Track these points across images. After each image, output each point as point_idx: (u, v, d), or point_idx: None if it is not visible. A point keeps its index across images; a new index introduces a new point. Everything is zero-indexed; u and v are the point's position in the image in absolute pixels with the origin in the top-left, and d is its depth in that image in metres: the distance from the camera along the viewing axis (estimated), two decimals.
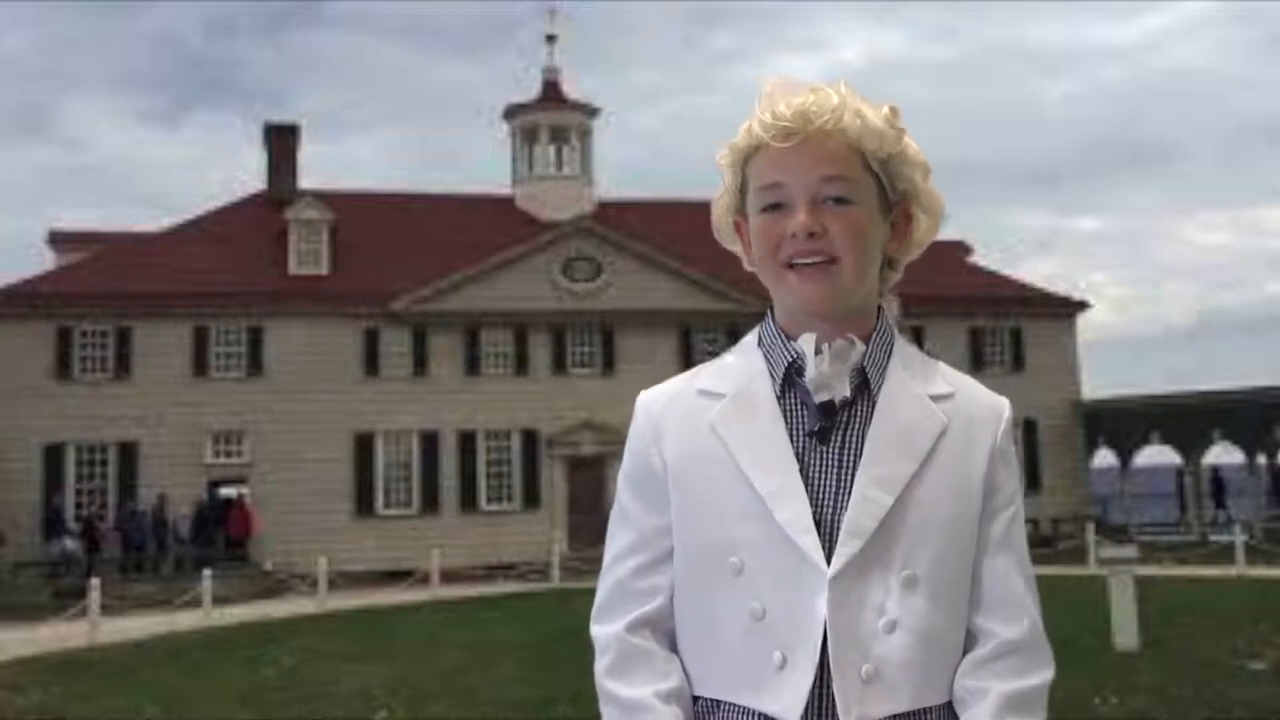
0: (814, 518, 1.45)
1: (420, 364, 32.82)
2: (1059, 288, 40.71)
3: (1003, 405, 1.60)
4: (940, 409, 1.52)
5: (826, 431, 1.49)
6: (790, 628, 1.43)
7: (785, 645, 1.43)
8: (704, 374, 1.59)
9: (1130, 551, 13.27)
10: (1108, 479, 38.20)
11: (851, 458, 1.48)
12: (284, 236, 33.91)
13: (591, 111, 39.10)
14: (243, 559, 29.84)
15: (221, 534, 30.25)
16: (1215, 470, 37.27)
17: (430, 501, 32.26)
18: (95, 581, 19.20)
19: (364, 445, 32.28)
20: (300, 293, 32.68)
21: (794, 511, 1.45)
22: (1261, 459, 34.70)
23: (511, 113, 39.72)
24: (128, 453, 30.79)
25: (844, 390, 1.50)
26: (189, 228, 35.08)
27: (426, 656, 13.88)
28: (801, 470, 1.47)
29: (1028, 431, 36.31)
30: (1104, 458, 37.40)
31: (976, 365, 36.47)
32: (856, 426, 1.50)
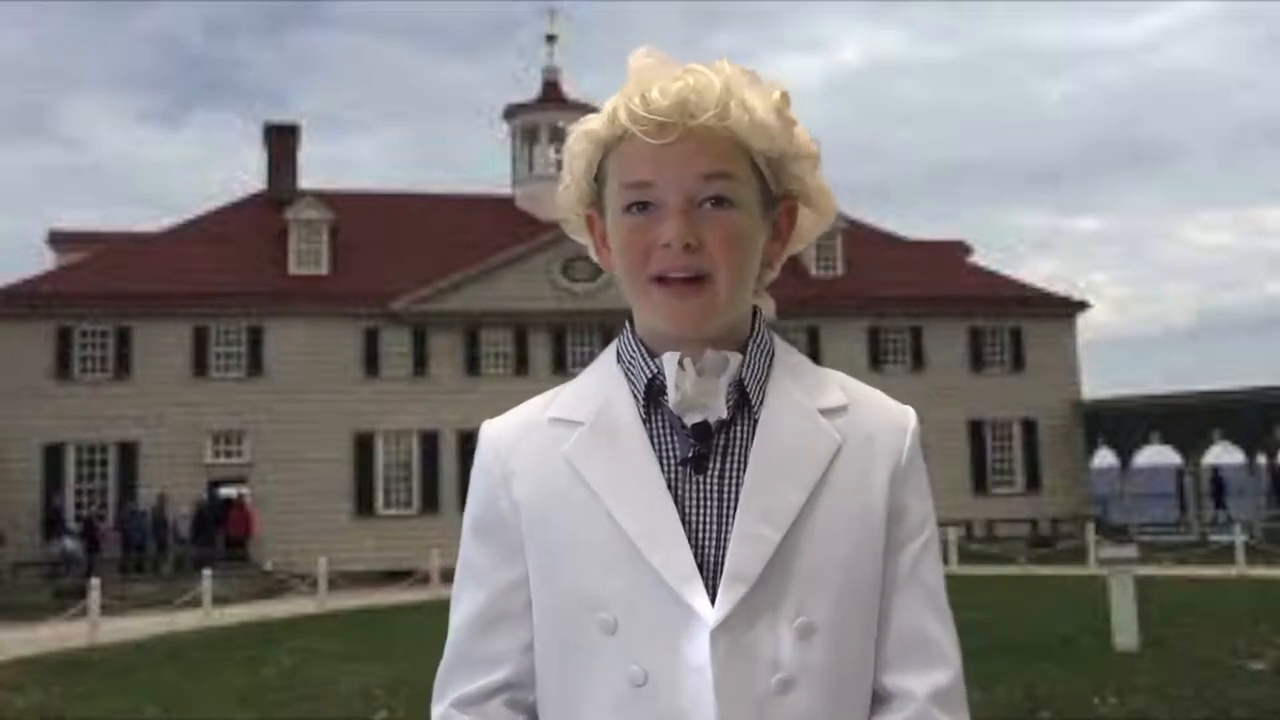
0: (695, 561, 1.23)
1: (420, 364, 32.83)
2: (1059, 288, 40.73)
3: (907, 417, 1.35)
4: (833, 425, 1.30)
5: (702, 459, 1.27)
6: (679, 693, 1.20)
7: (671, 714, 1.20)
8: (559, 399, 1.36)
9: (1130, 551, 13.27)
10: (1108, 479, 38.20)
11: (733, 488, 1.26)
12: (284, 236, 33.92)
13: (591, 111, 38.95)
14: (243, 559, 29.85)
15: (221, 534, 30.27)
16: (1215, 470, 37.26)
17: (430, 501, 32.27)
18: (95, 581, 19.21)
19: (364, 445, 32.28)
20: (300, 293, 32.69)
21: (672, 555, 1.23)
22: (1261, 459, 34.69)
23: (511, 113, 39.77)
24: (128, 453, 30.80)
25: (720, 409, 1.28)
26: (189, 228, 35.10)
27: (426, 656, 13.84)
28: (677, 506, 1.25)
29: (1028, 431, 36.34)
30: (1104, 458, 37.42)
31: (976, 365, 36.51)
32: (737, 451, 1.28)
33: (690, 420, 1.28)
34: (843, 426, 1.30)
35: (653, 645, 1.22)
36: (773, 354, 1.34)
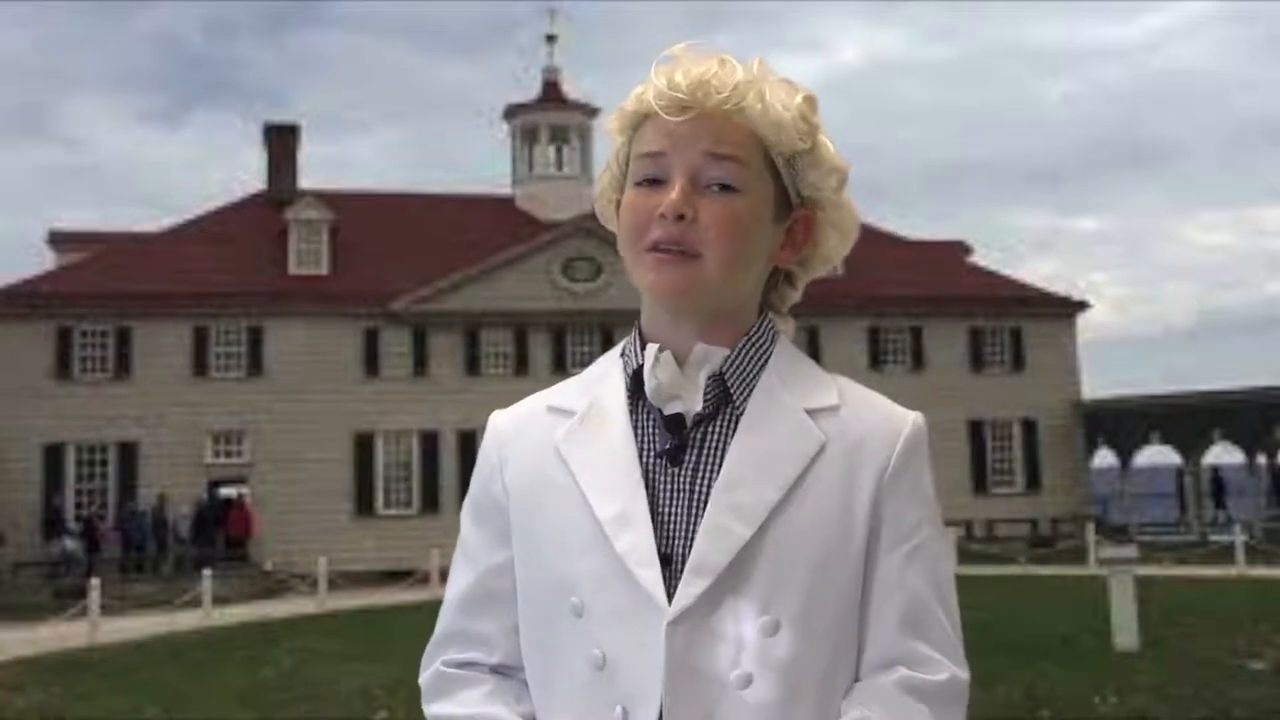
0: (662, 550, 1.24)
1: (420, 364, 32.82)
2: (1059, 288, 40.72)
3: (903, 422, 1.31)
4: (819, 425, 1.28)
5: (678, 451, 1.28)
6: (632, 678, 1.22)
7: (626, 699, 1.21)
8: (561, 389, 1.40)
9: (1130, 551, 13.27)
10: (1108, 479, 38.19)
11: (706, 481, 1.27)
12: (284, 236, 33.91)
13: (591, 111, 39.11)
14: (243, 559, 29.84)
15: (221, 534, 30.25)
16: (1215, 470, 37.24)
17: (430, 501, 32.26)
18: (95, 581, 19.19)
19: (364, 445, 32.27)
20: (300, 293, 32.69)
21: (634, 540, 1.24)
22: (1261, 459, 34.67)
23: (511, 113, 39.76)
24: (128, 453, 30.79)
25: (695, 402, 1.29)
26: (189, 228, 35.09)
27: None
28: (650, 495, 1.27)
29: (1028, 431, 36.33)
30: (1104, 458, 37.40)
31: (976, 365, 36.51)
32: (714, 445, 1.28)
33: (667, 411, 1.30)
34: (829, 427, 1.29)
35: (612, 629, 1.23)
36: (769, 356, 1.33)
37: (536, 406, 1.39)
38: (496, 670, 1.35)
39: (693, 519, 1.26)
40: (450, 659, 1.36)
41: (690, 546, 1.24)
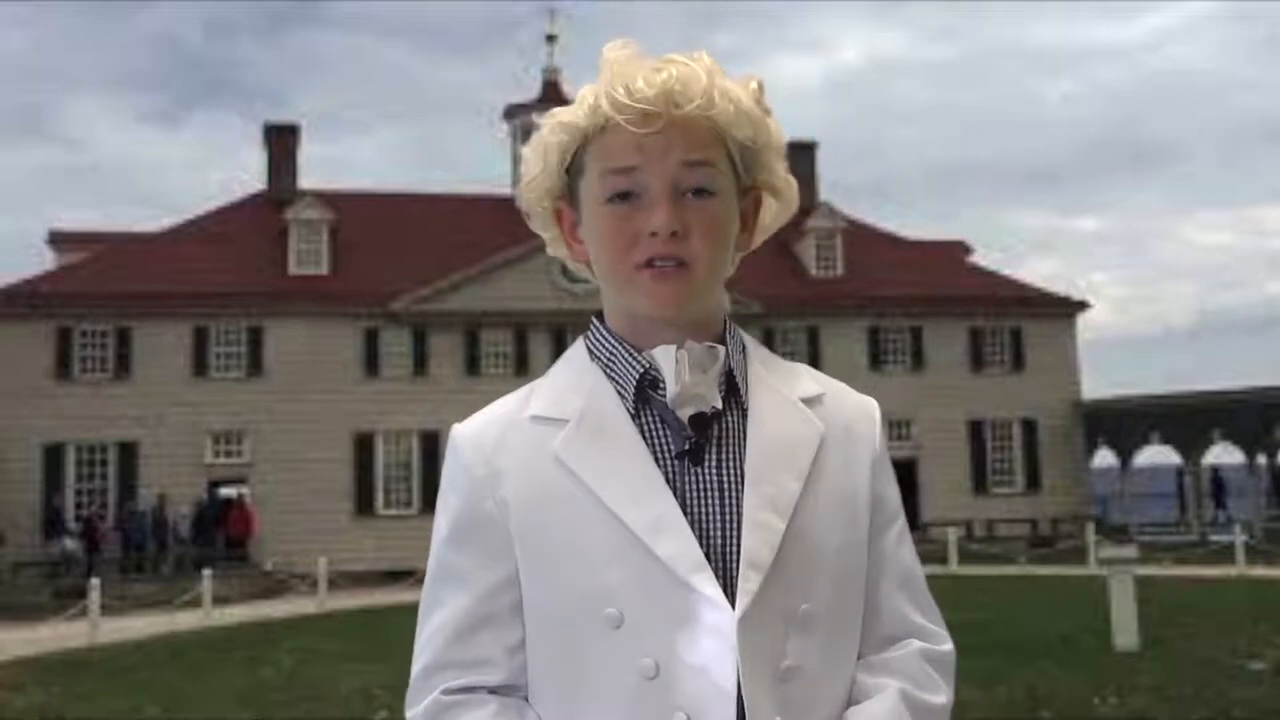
0: (703, 551, 1.23)
1: (420, 364, 32.83)
2: (1059, 288, 40.75)
3: (873, 406, 1.40)
4: (814, 415, 1.33)
5: (699, 450, 1.28)
6: (693, 684, 1.20)
7: (688, 705, 1.19)
8: (536, 398, 1.33)
9: (1130, 551, 13.27)
10: (1108, 479, 38.20)
11: (732, 477, 1.27)
12: (284, 236, 33.92)
13: None
14: (243, 559, 29.85)
15: (221, 534, 30.27)
16: (1215, 470, 37.26)
17: (430, 501, 31.93)
18: (95, 581, 19.18)
19: (364, 445, 32.28)
20: (300, 293, 32.70)
21: (679, 545, 1.22)
22: (1261, 459, 34.69)
23: (511, 113, 39.78)
24: (128, 453, 30.80)
25: (715, 400, 1.28)
26: (189, 228, 35.10)
27: None
28: (676, 498, 1.25)
29: (1028, 431, 36.32)
30: (1104, 458, 37.41)
31: (976, 365, 36.50)
32: (731, 441, 1.29)
33: (684, 413, 1.28)
34: (821, 416, 1.33)
35: (663, 637, 1.21)
36: (745, 347, 1.37)
37: (512, 417, 1.33)
38: (496, 691, 1.29)
39: (727, 516, 1.25)
40: (449, 686, 1.28)
41: (728, 545, 1.24)
